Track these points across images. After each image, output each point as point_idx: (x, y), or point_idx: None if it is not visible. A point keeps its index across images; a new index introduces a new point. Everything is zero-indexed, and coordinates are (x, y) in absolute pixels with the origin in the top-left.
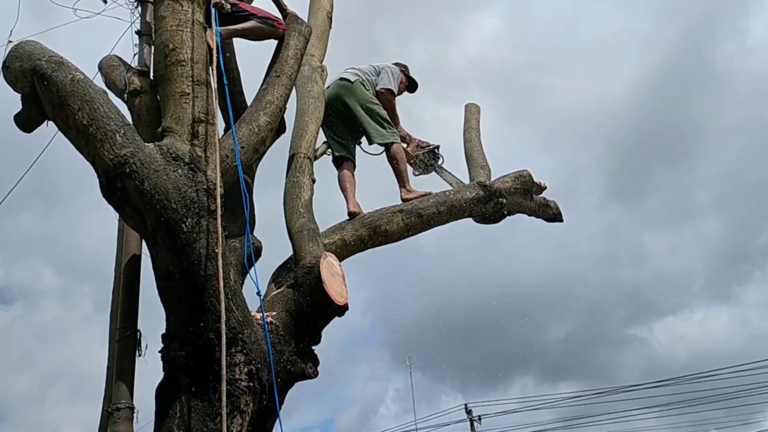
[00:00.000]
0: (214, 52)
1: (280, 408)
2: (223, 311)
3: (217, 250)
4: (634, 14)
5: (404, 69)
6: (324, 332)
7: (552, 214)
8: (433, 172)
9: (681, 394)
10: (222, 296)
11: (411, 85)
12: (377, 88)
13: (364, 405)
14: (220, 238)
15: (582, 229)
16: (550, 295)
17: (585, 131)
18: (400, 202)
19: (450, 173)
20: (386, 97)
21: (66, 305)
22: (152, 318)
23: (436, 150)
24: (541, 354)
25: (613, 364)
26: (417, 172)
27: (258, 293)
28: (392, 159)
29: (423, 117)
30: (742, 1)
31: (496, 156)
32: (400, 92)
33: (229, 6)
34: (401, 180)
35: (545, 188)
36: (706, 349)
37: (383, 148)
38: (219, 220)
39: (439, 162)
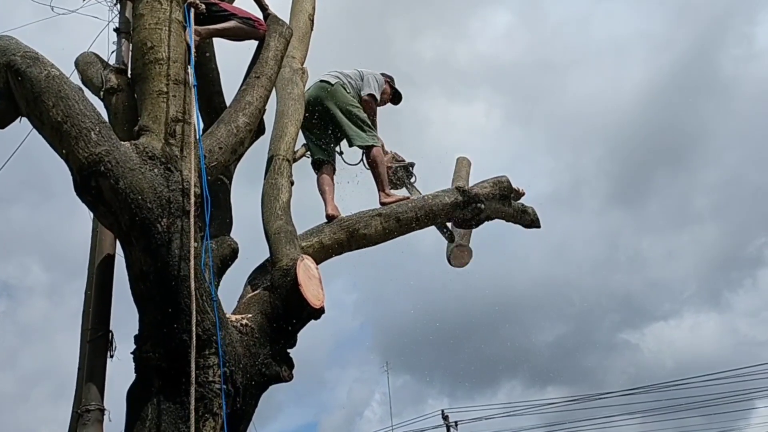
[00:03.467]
0: (192, 51)
1: (254, 410)
2: (194, 312)
3: (191, 251)
4: (646, 15)
5: (390, 80)
6: (313, 335)
7: (530, 221)
8: (404, 188)
9: (664, 401)
10: (193, 296)
11: (395, 97)
12: (361, 94)
13: (351, 408)
14: (192, 239)
15: (582, 233)
16: (545, 298)
17: (590, 133)
18: (378, 206)
19: (419, 192)
20: (369, 105)
21: (54, 302)
22: (125, 319)
23: (410, 167)
24: (531, 358)
25: (602, 370)
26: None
27: (214, 298)
28: (371, 162)
29: (430, 114)
30: (750, 7)
31: (500, 156)
32: (383, 102)
33: (203, 6)
34: (380, 184)
35: (523, 194)
36: (694, 356)
37: (361, 157)
38: (193, 220)
39: (412, 180)
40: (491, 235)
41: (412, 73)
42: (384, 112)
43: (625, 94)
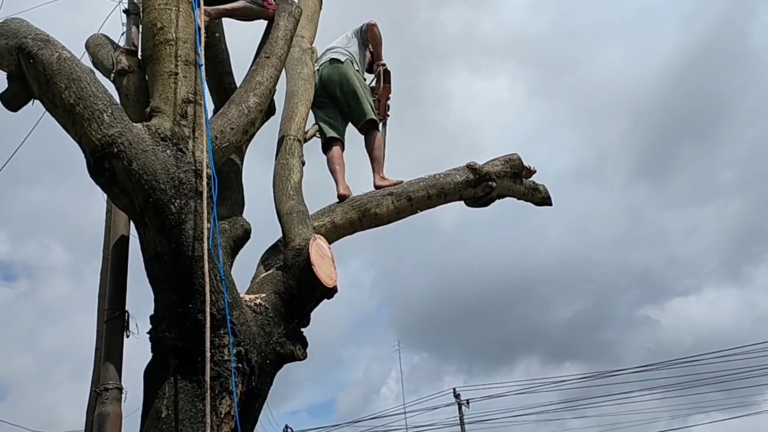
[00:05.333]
0: (203, 31)
1: (269, 388)
2: (208, 293)
3: (205, 232)
4: None
5: None
6: (330, 313)
7: (541, 198)
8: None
9: (681, 377)
10: (207, 277)
11: None
12: (367, 24)
13: (367, 386)
14: (204, 220)
15: (604, 208)
16: (564, 274)
17: (615, 107)
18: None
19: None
20: (374, 30)
21: (75, 281)
22: (141, 299)
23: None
24: (549, 334)
25: (621, 346)
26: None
27: (222, 277)
28: (371, 143)
29: (453, 88)
30: None
31: (523, 130)
32: None
33: None
34: (377, 167)
35: (534, 172)
36: (712, 331)
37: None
38: (205, 201)
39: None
40: (510, 212)
41: (436, 46)
42: (407, 86)
43: (652, 66)
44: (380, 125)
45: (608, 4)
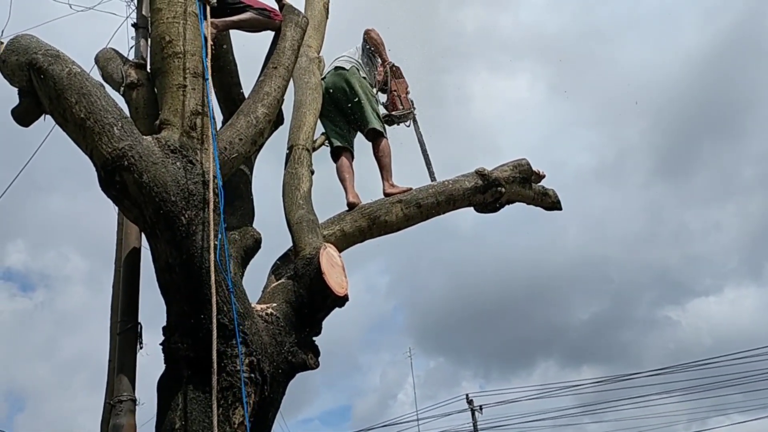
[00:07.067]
0: (209, 43)
1: (281, 398)
2: (215, 303)
3: (215, 242)
4: None
5: None
6: (346, 319)
7: (551, 203)
8: (411, 122)
9: (702, 379)
10: (213, 288)
11: None
12: (364, 31)
13: (384, 391)
14: (211, 230)
15: (624, 207)
16: (584, 274)
17: (635, 104)
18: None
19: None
20: (370, 35)
21: (92, 290)
22: (153, 310)
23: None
24: (568, 336)
25: (641, 347)
26: (398, 113)
27: (231, 289)
28: (379, 152)
29: (473, 88)
30: None
31: (543, 128)
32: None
33: (214, 1)
34: (385, 174)
35: (544, 177)
36: (733, 331)
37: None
38: (212, 212)
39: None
40: (527, 211)
41: (455, 45)
42: (427, 86)
43: (673, 62)
44: (410, 122)
45: (628, 0)
